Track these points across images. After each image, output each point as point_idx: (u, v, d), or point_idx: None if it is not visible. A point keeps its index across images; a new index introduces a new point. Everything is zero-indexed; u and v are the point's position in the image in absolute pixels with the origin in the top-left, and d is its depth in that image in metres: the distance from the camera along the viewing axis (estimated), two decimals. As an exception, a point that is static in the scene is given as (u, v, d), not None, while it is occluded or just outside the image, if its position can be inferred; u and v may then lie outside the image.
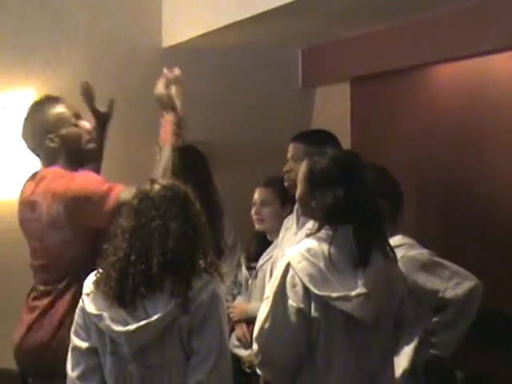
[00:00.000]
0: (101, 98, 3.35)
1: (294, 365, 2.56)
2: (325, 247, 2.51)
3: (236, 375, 2.66)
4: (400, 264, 2.72)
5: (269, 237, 3.60)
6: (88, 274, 2.60)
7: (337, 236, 2.52)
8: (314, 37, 4.31)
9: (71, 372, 2.55)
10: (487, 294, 2.99)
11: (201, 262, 2.52)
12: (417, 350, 2.94)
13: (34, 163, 3.10)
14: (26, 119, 3.04)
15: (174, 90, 3.06)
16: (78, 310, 2.58)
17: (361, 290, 2.49)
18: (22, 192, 3.07)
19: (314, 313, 2.50)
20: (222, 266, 2.62)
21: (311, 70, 4.69)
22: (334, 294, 2.47)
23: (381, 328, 2.57)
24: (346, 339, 2.52)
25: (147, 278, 2.44)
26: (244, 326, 3.57)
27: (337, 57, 4.44)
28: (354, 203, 2.53)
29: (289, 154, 3.17)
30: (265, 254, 3.55)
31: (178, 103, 3.04)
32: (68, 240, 2.87)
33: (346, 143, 3.92)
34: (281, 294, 2.52)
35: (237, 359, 3.42)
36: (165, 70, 3.11)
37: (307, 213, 2.71)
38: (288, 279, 2.52)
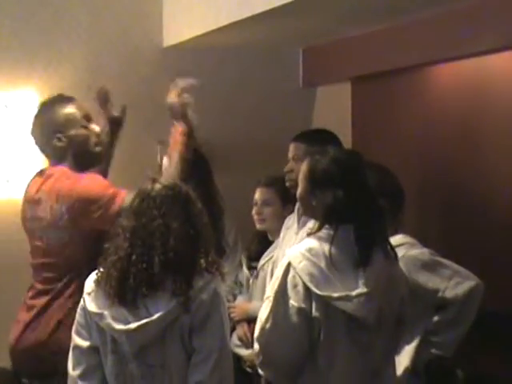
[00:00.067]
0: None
1: (296, 364, 2.55)
2: (325, 247, 2.51)
3: (237, 375, 2.65)
4: (401, 263, 2.72)
5: (270, 236, 3.60)
6: (87, 274, 2.60)
7: (337, 235, 2.52)
8: (315, 36, 4.30)
9: (72, 371, 2.55)
10: (487, 293, 2.99)
11: (202, 261, 2.52)
12: (418, 349, 2.95)
13: (37, 163, 3.10)
14: (36, 117, 3.03)
15: (186, 98, 3.04)
16: (79, 309, 2.58)
17: (362, 289, 2.48)
18: (28, 188, 3.06)
19: (315, 312, 2.49)
20: (223, 266, 2.62)
21: (312, 70, 4.69)
22: (335, 294, 2.47)
23: (382, 327, 2.57)
24: (347, 339, 2.52)
25: (149, 277, 2.44)
26: (245, 326, 3.57)
27: (338, 56, 4.43)
28: (355, 202, 2.53)
29: (290, 154, 3.16)
30: (266, 253, 3.55)
31: (190, 112, 3.03)
32: (69, 240, 2.88)
33: (346, 143, 3.91)
34: (282, 293, 2.52)
35: (238, 359, 3.43)
36: (177, 79, 3.08)
37: (308, 212, 2.71)
38: (289, 279, 2.51)
